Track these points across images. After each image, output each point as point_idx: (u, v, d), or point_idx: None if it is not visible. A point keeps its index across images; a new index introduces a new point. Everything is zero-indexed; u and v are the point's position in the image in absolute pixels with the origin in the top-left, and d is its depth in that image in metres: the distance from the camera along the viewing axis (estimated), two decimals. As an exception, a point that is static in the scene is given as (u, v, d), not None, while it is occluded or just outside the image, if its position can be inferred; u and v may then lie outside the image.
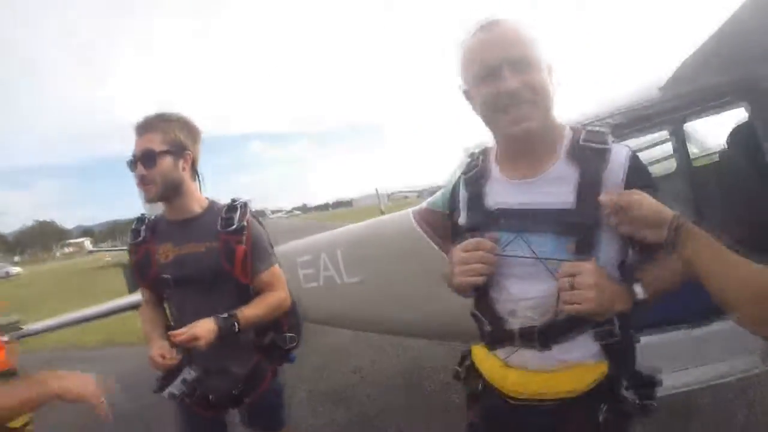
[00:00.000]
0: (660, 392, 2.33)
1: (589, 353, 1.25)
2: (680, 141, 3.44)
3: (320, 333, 5.85)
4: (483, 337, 1.40)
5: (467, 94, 1.32)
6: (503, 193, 1.32)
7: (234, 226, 1.92)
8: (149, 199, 1.94)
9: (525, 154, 1.29)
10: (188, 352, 1.85)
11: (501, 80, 1.17)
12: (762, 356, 2.22)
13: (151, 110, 1.98)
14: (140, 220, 2.07)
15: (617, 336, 1.21)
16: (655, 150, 3.56)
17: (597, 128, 1.30)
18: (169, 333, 1.83)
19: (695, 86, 2.23)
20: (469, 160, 1.47)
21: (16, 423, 1.49)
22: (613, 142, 1.26)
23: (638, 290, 1.19)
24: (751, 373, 2.26)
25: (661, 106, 2.30)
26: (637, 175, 1.23)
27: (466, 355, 1.48)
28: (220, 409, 2.08)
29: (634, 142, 3.51)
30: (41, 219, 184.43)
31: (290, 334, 2.16)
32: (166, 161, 1.89)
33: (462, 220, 1.42)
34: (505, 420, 1.35)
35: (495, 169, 1.37)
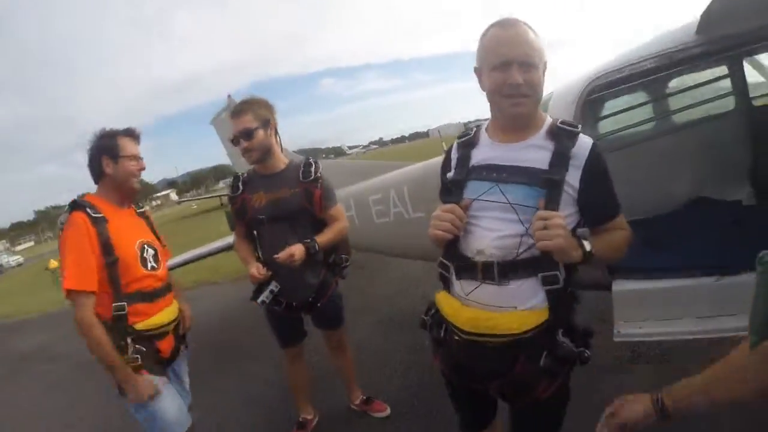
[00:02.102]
0: (681, 336, 2.42)
1: (536, 301, 1.47)
2: (738, 79, 3.37)
3: (393, 264, 6.23)
4: (445, 281, 1.65)
5: (478, 72, 1.57)
6: (488, 151, 1.59)
7: (312, 177, 2.66)
8: (252, 162, 2.67)
9: (513, 129, 1.56)
10: (274, 271, 2.60)
11: (509, 73, 1.43)
12: None
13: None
14: (236, 177, 2.80)
15: (560, 283, 1.45)
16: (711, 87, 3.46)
17: (570, 120, 1.58)
18: (274, 257, 2.52)
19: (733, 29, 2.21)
20: (465, 130, 1.76)
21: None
22: (580, 132, 1.53)
23: (587, 246, 1.42)
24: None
25: (698, 49, 2.29)
26: (597, 160, 1.49)
27: (431, 306, 1.72)
28: (299, 312, 2.87)
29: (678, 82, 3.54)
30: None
31: (344, 255, 2.91)
32: (260, 133, 2.59)
33: (450, 175, 1.67)
34: (462, 362, 1.59)
35: (484, 136, 1.64)
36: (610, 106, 3.65)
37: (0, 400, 5.51)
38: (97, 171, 2.24)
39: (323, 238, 2.65)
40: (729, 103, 3.50)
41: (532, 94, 1.48)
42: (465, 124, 1.79)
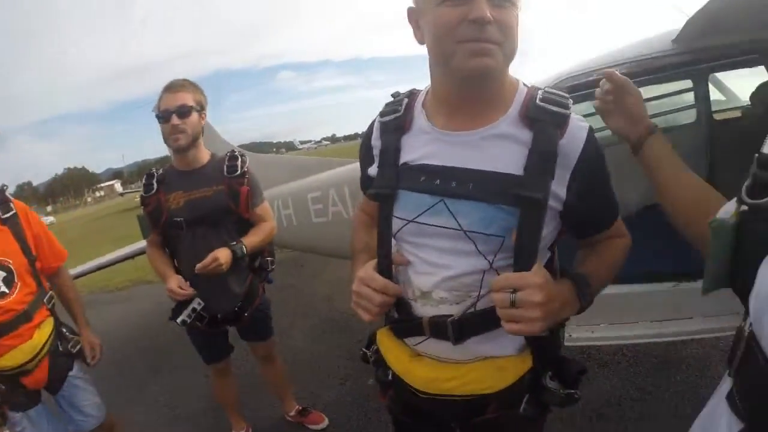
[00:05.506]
0: (635, 340, 2.39)
1: (511, 346, 1.08)
2: (701, 93, 3.33)
3: (333, 264, 6.03)
4: (388, 322, 1.21)
5: (414, 15, 1.02)
6: (428, 145, 1.05)
7: (238, 172, 2.32)
8: (180, 148, 2.27)
9: (467, 103, 1.01)
10: (196, 285, 2.27)
11: (472, 5, 0.88)
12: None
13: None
14: (149, 175, 2.40)
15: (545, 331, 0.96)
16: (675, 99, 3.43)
17: (558, 91, 1.02)
18: (196, 267, 2.18)
19: (707, 42, 2.14)
20: (391, 99, 1.17)
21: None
22: (571, 113, 1.01)
23: (585, 292, 1.02)
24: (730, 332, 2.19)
25: (673, 58, 2.20)
26: (594, 157, 1.01)
27: (373, 339, 1.27)
28: (224, 325, 2.54)
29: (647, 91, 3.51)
30: (71, 166, 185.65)
31: (270, 258, 2.63)
32: (194, 116, 2.26)
33: (373, 172, 1.15)
34: (418, 410, 1.21)
35: (420, 117, 1.08)
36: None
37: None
38: None
39: (251, 241, 2.35)
40: (690, 116, 3.46)
41: (505, 43, 0.92)
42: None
